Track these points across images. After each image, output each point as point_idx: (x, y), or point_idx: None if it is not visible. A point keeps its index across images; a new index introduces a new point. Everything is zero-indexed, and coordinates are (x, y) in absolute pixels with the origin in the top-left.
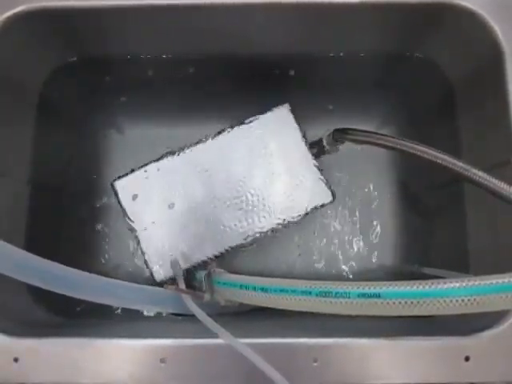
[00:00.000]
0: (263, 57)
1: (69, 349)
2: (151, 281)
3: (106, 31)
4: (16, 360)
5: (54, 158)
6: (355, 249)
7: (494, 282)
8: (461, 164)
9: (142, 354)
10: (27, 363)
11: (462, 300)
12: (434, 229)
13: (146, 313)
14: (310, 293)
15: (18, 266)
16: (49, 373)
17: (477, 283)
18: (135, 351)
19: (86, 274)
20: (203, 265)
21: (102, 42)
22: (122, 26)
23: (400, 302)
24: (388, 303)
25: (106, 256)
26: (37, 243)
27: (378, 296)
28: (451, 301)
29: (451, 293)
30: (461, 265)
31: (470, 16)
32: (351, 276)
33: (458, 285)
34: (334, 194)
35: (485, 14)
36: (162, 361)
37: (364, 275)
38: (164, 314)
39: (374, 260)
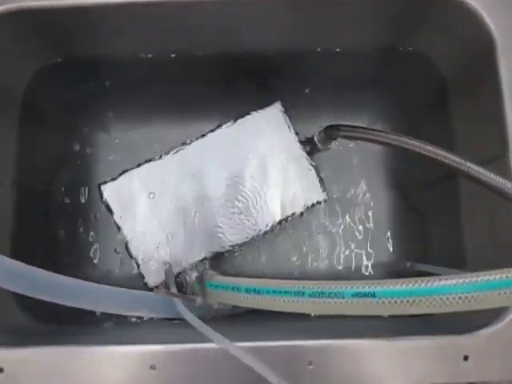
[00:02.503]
0: (253, 54)
1: (56, 358)
2: (142, 285)
3: (91, 31)
4: (1, 370)
5: (40, 160)
6: (349, 247)
7: (491, 278)
8: (456, 158)
9: (132, 360)
10: (13, 374)
11: (460, 297)
12: (430, 225)
13: (135, 317)
14: (303, 293)
15: (2, 273)
16: (36, 383)
17: (474, 280)
18: (124, 358)
19: (74, 280)
20: (195, 267)
21: (87, 41)
22: (108, 25)
23: (396, 301)
24: (383, 302)
25: (95, 261)
26: (23, 249)
27: (372, 295)
28: (448, 298)
29: (448, 290)
30: (458, 262)
31: (460, 7)
32: (346, 274)
33: (454, 282)
34: (327, 192)
35: (475, 4)
36: (152, 367)
37: (359, 273)
38: (155, 319)
39: (368, 258)
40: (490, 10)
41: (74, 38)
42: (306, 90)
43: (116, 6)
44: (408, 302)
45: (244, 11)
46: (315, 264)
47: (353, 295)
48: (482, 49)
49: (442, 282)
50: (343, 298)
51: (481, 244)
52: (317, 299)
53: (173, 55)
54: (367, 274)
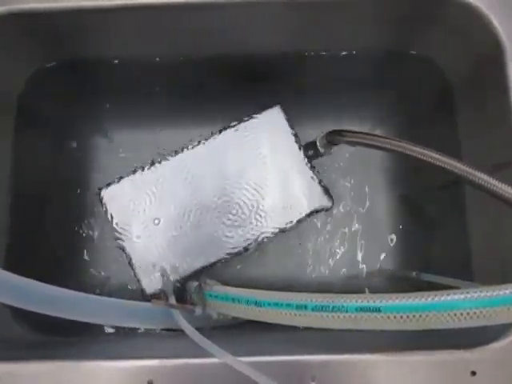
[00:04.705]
0: (253, 57)
1: (51, 372)
2: (141, 294)
3: (87, 34)
4: None
5: (37, 167)
6: (354, 255)
7: (501, 292)
8: (460, 165)
9: (129, 376)
10: None
11: (468, 313)
12: (435, 232)
13: (133, 329)
14: (306, 307)
15: None
16: None
17: (482, 295)
18: (121, 373)
19: (69, 291)
20: (195, 276)
21: (83, 44)
22: (104, 28)
23: (401, 316)
24: (389, 317)
25: (93, 268)
26: (18, 259)
27: (378, 310)
28: (456, 314)
29: (456, 306)
30: (464, 271)
31: (467, 9)
32: (349, 283)
33: (462, 297)
34: (331, 198)
35: (483, 7)
36: (150, 383)
37: (363, 282)
38: (157, 331)
39: (372, 266)
40: (497, 12)
41: (68, 41)
42: (307, 93)
43: (112, 8)
44: (414, 317)
45: (244, 14)
46: (317, 272)
47: (357, 309)
48: (490, 52)
49: (450, 297)
50: (347, 312)
51: (487, 252)
52: (319, 313)
53: (172, 58)
54: (371, 282)
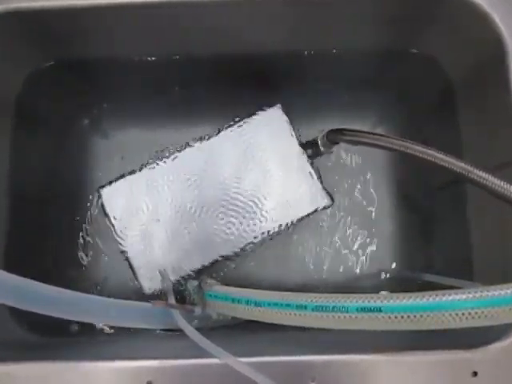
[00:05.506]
0: (253, 56)
1: (49, 374)
2: (140, 294)
3: (85, 33)
4: None
5: (36, 167)
6: (354, 254)
7: (502, 292)
8: (462, 164)
9: (127, 377)
10: None
11: (469, 313)
12: (436, 232)
13: (131, 329)
14: (306, 307)
15: None
16: None
17: (484, 294)
18: (120, 374)
19: (69, 291)
20: (194, 276)
21: (81, 43)
22: (102, 27)
23: (403, 316)
24: (390, 318)
25: (93, 269)
26: (17, 259)
27: (379, 310)
28: (457, 314)
29: (457, 305)
30: (465, 270)
31: (469, 7)
32: (350, 284)
33: (464, 297)
34: (331, 197)
35: (485, 5)
36: (149, 383)
37: (363, 282)
38: (156, 331)
39: (373, 266)
40: (499, 10)
41: (66, 40)
42: (308, 92)
43: (110, 7)
44: (415, 317)
45: (244, 12)
46: (318, 273)
47: (357, 310)
48: (492, 51)
49: (451, 297)
50: (347, 312)
51: (488, 252)
52: (320, 313)
53: (170, 57)
54: (372, 283)
